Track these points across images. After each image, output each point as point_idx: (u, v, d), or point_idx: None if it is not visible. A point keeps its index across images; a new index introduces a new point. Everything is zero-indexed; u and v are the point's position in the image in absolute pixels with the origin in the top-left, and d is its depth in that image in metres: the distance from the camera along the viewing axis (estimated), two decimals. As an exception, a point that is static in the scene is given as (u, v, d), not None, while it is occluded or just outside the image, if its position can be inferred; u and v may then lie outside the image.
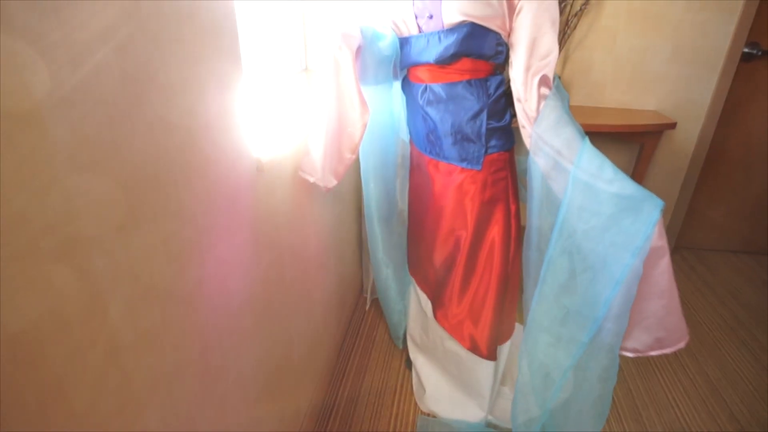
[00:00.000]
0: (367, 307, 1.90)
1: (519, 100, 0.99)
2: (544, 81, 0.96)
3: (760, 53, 2.02)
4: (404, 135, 1.33)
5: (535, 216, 1.05)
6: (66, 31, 0.43)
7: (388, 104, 1.25)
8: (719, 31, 1.95)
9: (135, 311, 0.56)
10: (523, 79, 0.97)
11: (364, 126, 1.05)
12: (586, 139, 0.93)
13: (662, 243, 0.82)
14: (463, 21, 0.96)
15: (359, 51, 1.04)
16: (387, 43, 1.09)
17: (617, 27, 1.99)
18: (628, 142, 2.18)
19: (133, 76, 0.52)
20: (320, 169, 1.04)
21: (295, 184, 1.10)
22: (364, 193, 1.33)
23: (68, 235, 0.45)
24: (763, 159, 2.23)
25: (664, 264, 0.84)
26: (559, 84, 1.00)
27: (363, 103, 1.02)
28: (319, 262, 1.36)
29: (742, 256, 2.44)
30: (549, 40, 0.94)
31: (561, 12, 1.92)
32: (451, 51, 1.00)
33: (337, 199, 1.50)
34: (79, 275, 0.47)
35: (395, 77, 1.18)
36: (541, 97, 0.96)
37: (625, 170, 2.19)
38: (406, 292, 1.54)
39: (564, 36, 1.97)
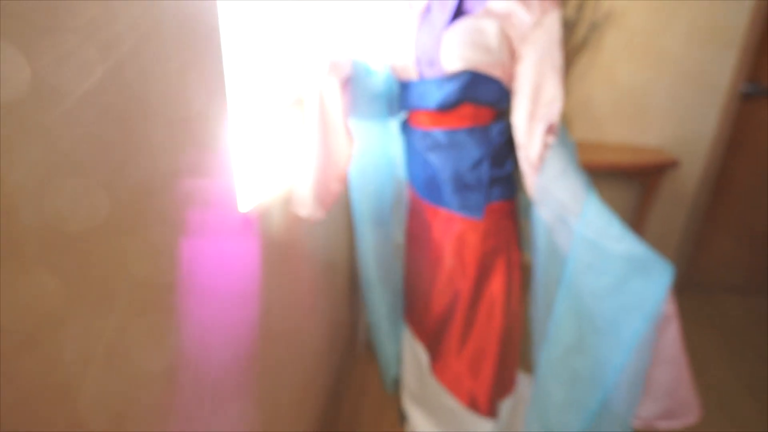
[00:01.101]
0: (359, 351, 1.81)
1: (521, 148, 0.95)
2: (549, 129, 0.91)
3: (760, 90, 2.01)
4: (401, 175, 1.28)
5: (540, 271, 0.99)
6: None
7: (384, 144, 1.20)
8: (719, 69, 1.94)
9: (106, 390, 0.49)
10: (527, 126, 0.92)
11: (350, 156, 1.02)
12: (592, 191, 0.89)
13: (671, 309, 0.78)
14: (464, 68, 0.93)
15: (348, 82, 1.00)
16: (380, 78, 1.06)
17: (617, 63, 1.97)
18: (631, 179, 2.14)
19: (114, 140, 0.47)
20: (309, 201, 1.00)
21: (285, 232, 1.04)
22: (357, 236, 1.27)
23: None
24: (766, 197, 2.19)
25: (673, 331, 0.79)
26: (565, 131, 0.95)
27: (348, 132, 1.00)
28: (310, 308, 1.29)
29: (750, 295, 2.37)
30: (553, 87, 0.91)
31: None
32: (453, 98, 0.96)
33: (330, 240, 1.45)
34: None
35: (390, 114, 1.14)
36: (545, 146, 0.91)
37: (628, 207, 2.17)
38: (398, 334, 1.46)
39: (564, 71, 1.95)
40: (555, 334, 0.93)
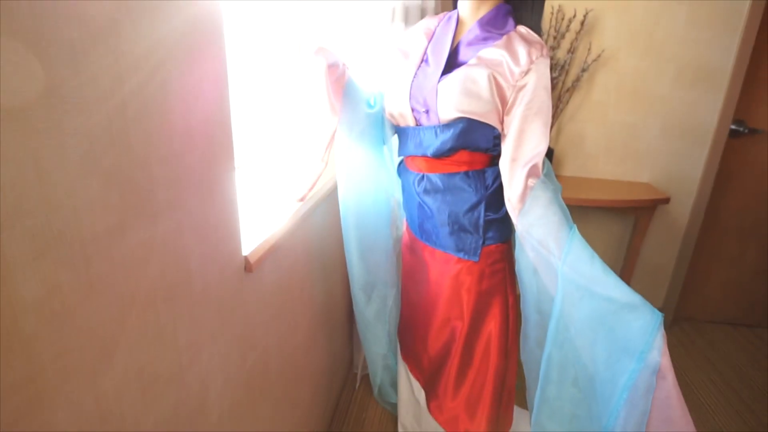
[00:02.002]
0: (357, 386, 1.80)
1: (505, 190, 0.98)
2: (531, 172, 0.94)
3: (746, 130, 2.08)
4: (398, 209, 1.31)
5: (530, 309, 1.01)
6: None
7: (384, 185, 1.23)
8: (707, 109, 2.01)
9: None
10: (509, 169, 0.96)
11: (334, 132, 1.07)
12: (574, 231, 0.90)
13: (666, 363, 0.77)
14: (459, 117, 0.96)
15: (335, 68, 1.05)
16: (374, 95, 1.12)
17: (608, 102, 2.04)
18: (623, 214, 2.18)
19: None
20: (299, 176, 1.06)
21: (286, 275, 1.06)
22: (350, 274, 1.28)
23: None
24: (756, 232, 2.23)
25: (668, 387, 0.77)
26: (550, 172, 0.98)
27: (333, 108, 1.05)
28: (308, 345, 1.29)
29: (742, 328, 2.39)
30: (536, 132, 0.94)
31: (554, 87, 1.97)
32: (448, 146, 0.99)
33: (327, 274, 1.46)
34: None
35: (384, 141, 1.18)
36: (526, 188, 0.94)
37: (620, 242, 2.21)
38: (389, 342, 1.43)
39: (557, 110, 2.02)
40: (548, 374, 0.93)
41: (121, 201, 0.50)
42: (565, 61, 1.93)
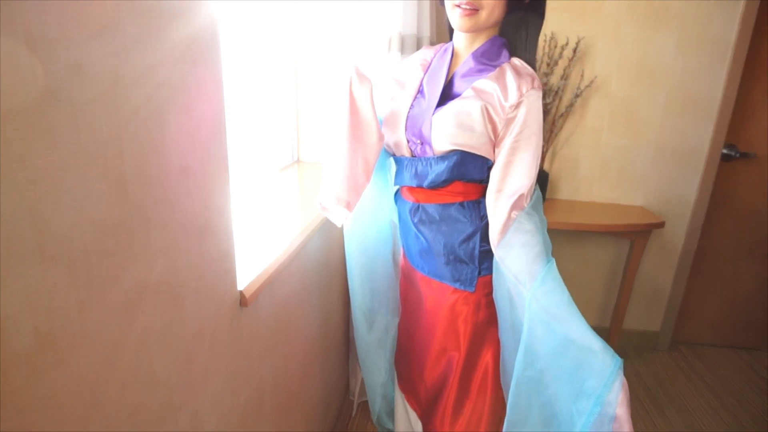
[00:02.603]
0: (354, 413, 1.78)
1: (489, 219, 0.98)
2: (515, 204, 0.94)
3: (738, 154, 2.11)
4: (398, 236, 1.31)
5: (507, 336, 1.01)
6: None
7: (386, 210, 1.23)
8: (698, 134, 2.04)
9: None
10: (494, 199, 0.96)
11: (379, 150, 1.06)
12: (550, 266, 0.90)
13: (624, 414, 0.76)
14: (454, 149, 0.97)
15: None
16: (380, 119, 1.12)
17: (601, 127, 2.07)
18: (618, 238, 2.19)
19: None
20: (335, 199, 1.03)
21: (282, 306, 1.05)
22: (352, 299, 1.28)
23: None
24: (751, 255, 2.25)
25: None
26: (538, 204, 0.98)
27: (379, 127, 1.04)
28: (303, 373, 1.28)
29: (740, 351, 2.38)
30: (523, 164, 0.94)
31: (547, 112, 2.00)
32: (443, 177, 1.00)
33: (325, 300, 1.45)
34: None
35: (388, 167, 1.20)
36: (509, 220, 0.94)
37: (616, 265, 2.21)
38: (389, 371, 1.41)
39: (551, 134, 2.04)
40: (515, 406, 0.93)
41: (116, 246, 0.50)
42: (559, 87, 1.96)
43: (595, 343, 0.80)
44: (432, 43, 1.59)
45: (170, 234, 0.59)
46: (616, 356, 0.79)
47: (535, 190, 0.98)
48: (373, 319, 1.29)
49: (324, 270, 1.41)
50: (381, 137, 1.04)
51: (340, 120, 1.00)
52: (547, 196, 2.14)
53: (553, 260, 0.92)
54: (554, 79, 1.98)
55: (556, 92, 1.97)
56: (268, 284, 0.92)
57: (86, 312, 0.46)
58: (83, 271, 0.45)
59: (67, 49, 0.42)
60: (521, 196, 0.94)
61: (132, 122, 0.51)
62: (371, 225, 1.20)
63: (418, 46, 1.54)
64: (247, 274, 0.86)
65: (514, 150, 0.94)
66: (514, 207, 0.94)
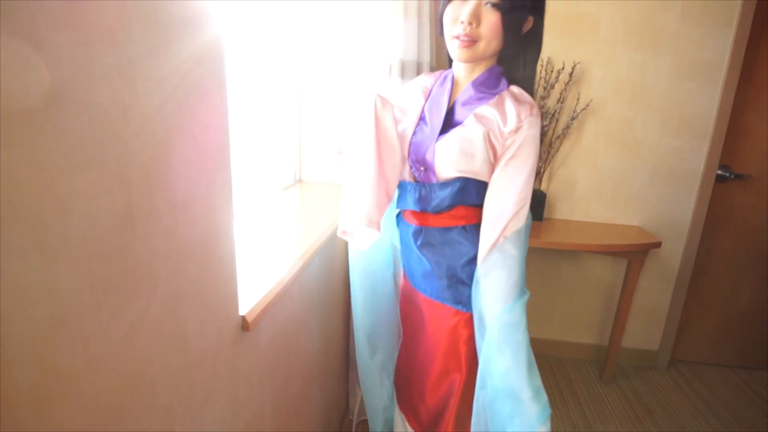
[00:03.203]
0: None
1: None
2: (506, 226, 0.96)
3: (732, 176, 2.14)
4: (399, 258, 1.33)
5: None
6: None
7: (388, 233, 1.25)
8: (693, 155, 2.07)
9: None
10: (486, 219, 0.99)
11: (402, 171, 1.06)
12: (520, 301, 0.94)
13: None
14: (457, 176, 0.99)
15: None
16: None
17: (597, 149, 2.10)
18: (615, 258, 2.21)
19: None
20: (366, 221, 0.97)
21: (282, 329, 1.06)
22: (355, 322, 1.29)
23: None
24: (747, 275, 2.26)
25: None
26: (525, 231, 0.99)
27: (401, 149, 1.03)
28: (303, 394, 1.28)
29: (739, 370, 2.38)
30: (514, 188, 0.96)
31: (544, 134, 2.03)
32: (446, 203, 1.02)
33: (326, 320, 1.46)
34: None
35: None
36: (498, 240, 0.96)
37: (613, 285, 2.22)
38: (391, 394, 1.42)
39: (548, 155, 2.07)
40: (476, 422, 1.00)
41: (122, 278, 0.51)
42: (555, 110, 2.00)
43: (526, 392, 0.87)
44: (432, 69, 1.63)
45: (174, 263, 0.61)
46: (545, 407, 0.84)
47: (527, 216, 1.00)
48: (376, 343, 1.30)
49: (325, 290, 1.42)
50: (404, 159, 1.05)
51: (365, 143, 0.99)
52: (545, 215, 2.17)
53: (528, 294, 0.96)
54: (551, 103, 2.02)
55: (553, 115, 2.00)
56: (270, 308, 0.93)
57: (90, 346, 0.47)
58: (88, 304, 0.47)
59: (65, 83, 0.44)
60: (514, 216, 0.96)
61: (139, 156, 0.53)
62: (373, 248, 1.21)
63: (419, 72, 1.57)
64: (249, 299, 0.87)
65: (509, 173, 0.96)
66: (505, 228, 0.96)
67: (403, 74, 1.53)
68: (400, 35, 1.51)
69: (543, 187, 2.15)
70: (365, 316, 1.26)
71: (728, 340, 2.38)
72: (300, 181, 1.94)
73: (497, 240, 0.96)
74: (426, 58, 1.61)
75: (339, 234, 1.03)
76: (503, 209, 0.97)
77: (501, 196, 0.97)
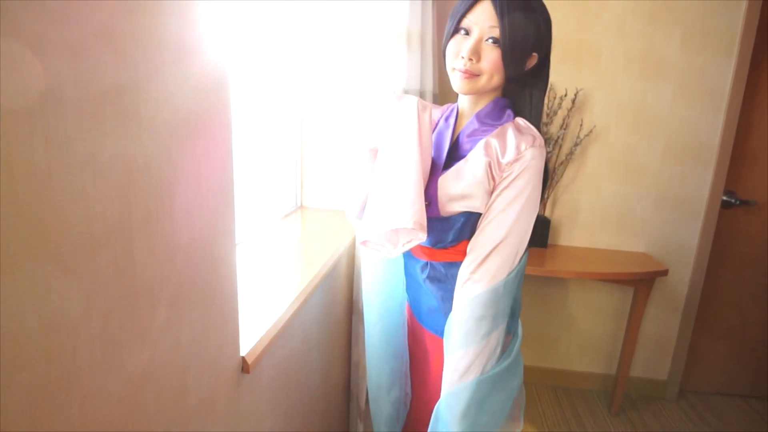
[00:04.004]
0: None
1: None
2: (491, 263, 0.93)
3: (738, 202, 2.12)
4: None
5: None
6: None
7: (398, 276, 1.23)
8: (698, 181, 2.06)
9: None
10: (470, 248, 0.96)
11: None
12: (472, 388, 0.93)
13: None
14: (460, 211, 0.98)
15: None
16: None
17: (601, 175, 2.09)
18: (622, 285, 2.18)
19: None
20: (415, 224, 0.89)
21: (284, 366, 1.03)
22: (369, 370, 1.27)
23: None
24: (756, 302, 2.22)
25: None
26: (515, 282, 0.95)
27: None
28: (305, 429, 1.24)
29: (752, 401, 2.32)
30: (506, 221, 0.92)
31: (549, 160, 2.03)
32: (450, 238, 1.00)
33: (326, 351, 1.43)
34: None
35: None
36: (469, 276, 0.93)
37: (620, 313, 2.18)
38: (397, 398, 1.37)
39: (552, 182, 2.06)
40: None
41: (121, 332, 0.49)
42: (559, 136, 2.00)
43: None
44: (435, 97, 1.64)
45: (174, 312, 0.59)
46: None
47: (521, 259, 0.96)
48: (393, 380, 1.26)
49: (326, 321, 1.40)
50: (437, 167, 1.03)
51: (408, 143, 0.95)
52: (549, 242, 2.14)
53: (484, 381, 0.93)
54: (554, 129, 2.02)
55: (556, 141, 2.00)
56: (271, 346, 0.91)
57: (87, 405, 0.45)
58: (86, 361, 0.45)
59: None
60: (494, 254, 0.93)
61: (142, 203, 0.51)
62: (389, 283, 1.19)
63: (421, 100, 1.57)
64: (249, 338, 0.85)
65: (501, 207, 0.93)
66: (477, 268, 0.93)
67: (407, 103, 1.54)
68: (404, 64, 1.52)
69: (547, 213, 2.13)
70: (381, 351, 1.23)
71: (740, 369, 2.32)
72: (301, 207, 1.93)
73: (464, 283, 0.94)
74: (429, 86, 1.61)
75: (360, 243, 0.97)
76: (482, 246, 0.93)
77: (489, 227, 0.93)
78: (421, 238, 0.90)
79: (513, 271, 0.93)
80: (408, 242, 0.93)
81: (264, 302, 1.00)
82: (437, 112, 1.13)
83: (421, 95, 1.58)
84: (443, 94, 1.77)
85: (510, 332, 1.07)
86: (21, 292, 0.37)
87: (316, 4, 1.70)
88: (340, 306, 1.57)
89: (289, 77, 1.74)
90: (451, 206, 0.98)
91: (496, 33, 0.91)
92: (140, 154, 0.50)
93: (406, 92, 1.54)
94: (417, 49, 1.54)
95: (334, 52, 1.74)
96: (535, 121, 1.04)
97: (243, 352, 0.81)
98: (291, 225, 1.69)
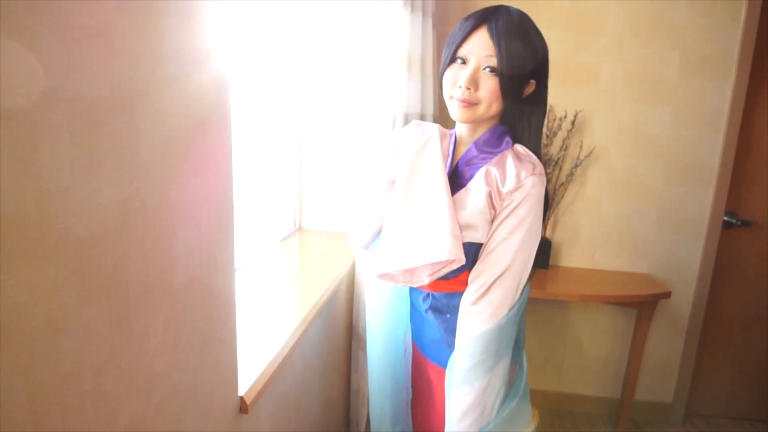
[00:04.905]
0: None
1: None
2: (483, 293, 0.91)
3: (739, 222, 2.11)
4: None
5: None
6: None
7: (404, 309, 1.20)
8: (698, 202, 2.05)
9: None
10: (470, 278, 0.93)
11: None
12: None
13: None
14: (463, 242, 0.96)
15: None
16: None
17: (602, 196, 2.08)
18: (625, 307, 2.15)
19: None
20: (442, 251, 0.88)
21: (282, 402, 1.00)
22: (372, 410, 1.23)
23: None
24: (760, 323, 2.20)
25: None
26: (515, 320, 0.94)
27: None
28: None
29: (758, 424, 2.28)
30: (507, 251, 0.90)
31: (549, 181, 2.02)
32: (452, 270, 0.98)
33: (326, 379, 1.39)
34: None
35: None
36: (471, 305, 0.91)
37: (624, 335, 2.15)
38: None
39: (552, 202, 2.05)
40: None
41: (114, 388, 0.47)
42: (559, 157, 1.99)
43: None
44: (435, 120, 1.63)
45: (173, 356, 0.57)
46: None
47: (524, 290, 0.94)
48: (398, 415, 1.23)
49: (326, 349, 1.37)
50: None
51: (434, 172, 0.94)
52: (550, 263, 2.12)
53: (492, 425, 0.91)
54: (554, 150, 2.02)
55: (556, 162, 2.00)
56: (270, 382, 0.88)
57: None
58: (77, 420, 0.42)
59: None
60: (496, 285, 0.91)
61: (139, 245, 0.49)
62: (391, 317, 1.16)
63: (422, 123, 1.57)
64: (248, 376, 0.82)
65: (504, 235, 0.91)
66: (479, 299, 0.91)
67: (407, 127, 1.53)
68: (404, 88, 1.52)
69: (548, 234, 2.12)
70: (385, 386, 1.19)
71: (746, 392, 2.28)
72: (300, 229, 1.91)
73: (467, 316, 0.92)
74: (429, 110, 1.61)
75: (377, 277, 0.96)
76: (484, 276, 0.91)
77: (488, 257, 0.91)
78: (462, 260, 0.89)
79: (515, 305, 0.92)
80: (444, 267, 0.92)
81: (263, 334, 0.98)
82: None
83: (422, 118, 1.58)
84: (443, 116, 1.77)
85: (515, 363, 1.04)
86: (10, 352, 0.35)
87: (319, 27, 1.70)
88: (339, 332, 1.54)
89: (290, 97, 1.73)
90: None
91: (494, 62, 0.91)
92: (136, 197, 0.49)
93: (407, 116, 1.53)
94: (417, 72, 1.55)
95: (335, 74, 1.74)
96: (535, 147, 1.03)
97: (241, 392, 0.78)
98: (290, 248, 1.67)
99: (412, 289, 1.13)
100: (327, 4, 1.68)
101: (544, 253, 2.04)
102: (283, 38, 1.63)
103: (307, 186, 1.86)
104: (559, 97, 1.99)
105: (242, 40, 1.29)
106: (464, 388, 0.91)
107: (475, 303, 0.92)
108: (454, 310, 1.03)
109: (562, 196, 2.06)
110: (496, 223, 0.93)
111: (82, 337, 0.42)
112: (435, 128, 0.96)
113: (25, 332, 0.37)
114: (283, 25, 1.62)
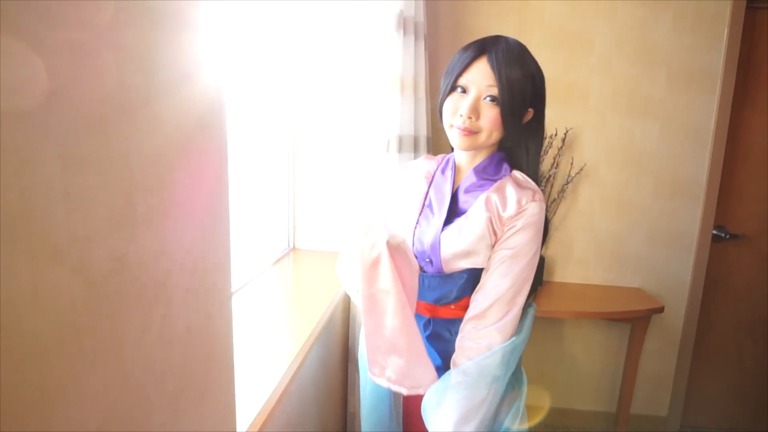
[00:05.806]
0: None
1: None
2: (478, 314, 0.92)
3: (727, 236, 2.14)
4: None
5: None
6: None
7: None
8: (688, 217, 2.08)
9: None
10: (472, 301, 0.94)
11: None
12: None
13: None
14: (462, 269, 0.96)
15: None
16: None
17: (593, 211, 2.10)
18: (618, 323, 2.16)
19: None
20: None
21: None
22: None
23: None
24: (752, 336, 2.23)
25: None
26: (516, 352, 0.95)
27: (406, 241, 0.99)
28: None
29: (750, 436, 2.29)
30: (508, 276, 0.92)
31: (547, 211, 2.03)
32: (453, 295, 0.98)
33: (322, 403, 1.37)
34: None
35: None
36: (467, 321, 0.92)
37: (617, 351, 2.16)
38: None
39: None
40: None
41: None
42: (550, 175, 2.01)
43: None
44: (428, 143, 1.64)
45: (170, 410, 0.55)
46: None
47: (526, 314, 0.95)
48: None
49: (323, 375, 1.35)
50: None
51: (392, 301, 0.94)
52: (544, 279, 2.13)
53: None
54: (545, 167, 2.04)
55: (548, 179, 2.01)
56: (268, 421, 0.87)
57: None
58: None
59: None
60: (502, 307, 0.92)
61: (135, 307, 0.48)
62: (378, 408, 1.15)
63: (416, 145, 1.58)
64: (245, 416, 0.80)
65: (506, 261, 0.93)
66: (477, 317, 0.92)
67: (401, 149, 1.53)
68: (397, 111, 1.52)
69: (542, 251, 2.13)
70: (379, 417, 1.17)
71: (739, 405, 2.30)
72: (294, 249, 1.90)
73: (462, 338, 0.93)
74: (423, 132, 1.62)
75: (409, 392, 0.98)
76: (483, 299, 0.92)
77: (488, 282, 0.93)
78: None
79: (515, 334, 0.92)
80: None
81: (258, 368, 0.96)
82: (432, 164, 1.13)
83: (415, 140, 1.58)
84: (436, 138, 1.78)
85: (514, 389, 1.04)
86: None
87: (313, 50, 1.71)
88: (336, 357, 1.53)
89: (283, 117, 1.73)
90: (455, 263, 0.96)
91: (494, 92, 0.92)
92: (134, 252, 0.48)
93: (401, 139, 1.53)
94: (410, 94, 1.55)
95: (328, 96, 1.74)
96: (533, 173, 1.04)
97: (241, 430, 0.76)
98: (284, 270, 1.66)
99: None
100: (321, 28, 1.68)
101: (539, 270, 2.04)
102: (277, 60, 1.63)
103: (300, 205, 1.86)
104: (550, 115, 1.98)
105: (237, 58, 1.29)
106: (451, 402, 0.91)
107: (475, 327, 0.92)
108: (455, 335, 1.03)
109: (554, 213, 2.08)
110: (496, 247, 0.94)
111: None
112: (383, 239, 0.92)
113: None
114: (278, 46, 1.62)
